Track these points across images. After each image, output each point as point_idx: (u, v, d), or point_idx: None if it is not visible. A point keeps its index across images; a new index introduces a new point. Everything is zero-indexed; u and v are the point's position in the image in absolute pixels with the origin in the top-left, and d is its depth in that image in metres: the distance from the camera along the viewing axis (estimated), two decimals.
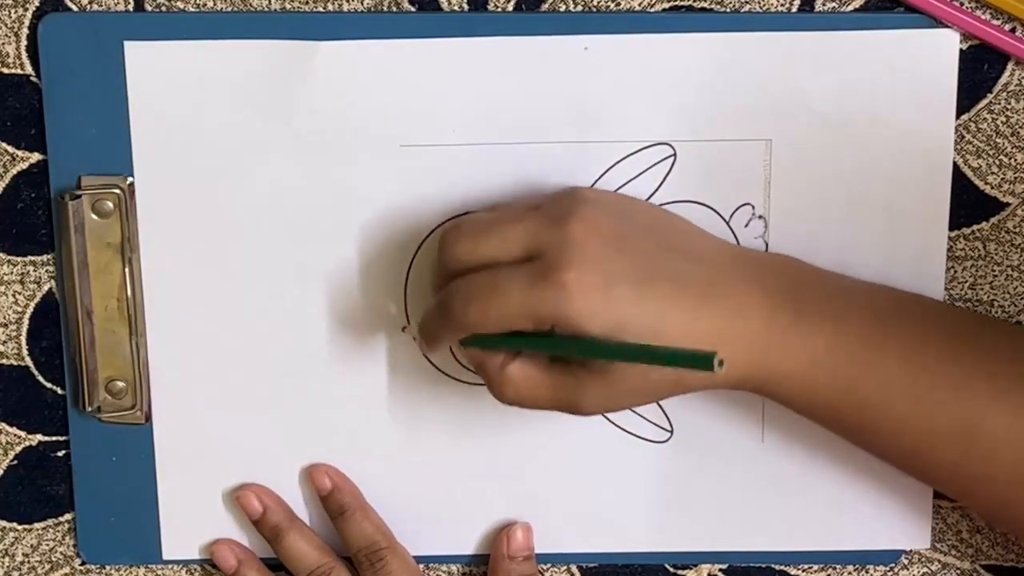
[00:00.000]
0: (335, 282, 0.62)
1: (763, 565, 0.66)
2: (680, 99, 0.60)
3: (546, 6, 0.60)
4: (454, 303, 0.53)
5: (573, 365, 0.54)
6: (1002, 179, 0.61)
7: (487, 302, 0.52)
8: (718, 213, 0.61)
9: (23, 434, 0.65)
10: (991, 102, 0.60)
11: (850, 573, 0.66)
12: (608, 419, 0.63)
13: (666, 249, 0.54)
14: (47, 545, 0.66)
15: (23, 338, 0.64)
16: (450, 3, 0.60)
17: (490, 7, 0.60)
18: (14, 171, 0.62)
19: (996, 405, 0.54)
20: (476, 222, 0.55)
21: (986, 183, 0.61)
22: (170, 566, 0.66)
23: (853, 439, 0.57)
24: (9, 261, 0.63)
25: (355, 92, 0.60)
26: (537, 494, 0.65)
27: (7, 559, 0.66)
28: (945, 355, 0.55)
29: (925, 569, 0.65)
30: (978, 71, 0.60)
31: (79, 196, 0.61)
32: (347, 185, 0.61)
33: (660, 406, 0.63)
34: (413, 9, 0.60)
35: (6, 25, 0.61)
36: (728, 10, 0.60)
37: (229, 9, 0.60)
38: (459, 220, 0.56)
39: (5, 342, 0.64)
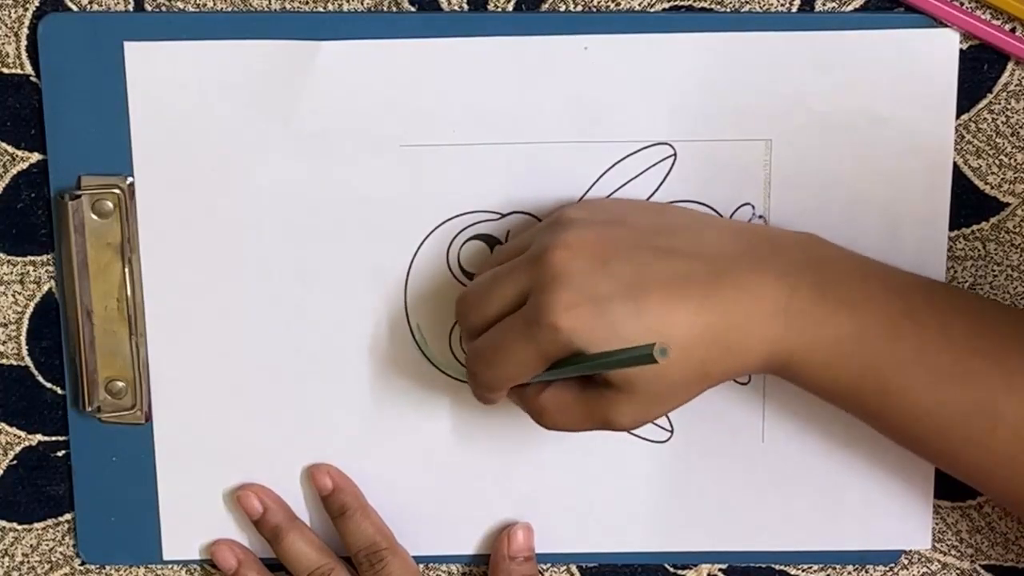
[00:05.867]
0: (335, 282, 0.62)
1: (763, 565, 0.66)
2: (680, 99, 0.60)
3: (546, 6, 0.60)
4: (476, 369, 0.56)
5: (599, 385, 0.54)
6: (1002, 179, 0.61)
7: (500, 362, 0.54)
8: (718, 213, 0.61)
9: (23, 434, 0.65)
10: (991, 102, 0.60)
11: (850, 573, 0.66)
12: None
13: (662, 251, 0.54)
14: (47, 545, 0.66)
15: (23, 338, 0.64)
16: (450, 3, 0.60)
17: (490, 7, 0.60)
18: (14, 171, 0.62)
19: (1021, 383, 0.54)
20: (476, 289, 0.56)
21: (986, 183, 0.61)
22: (170, 566, 0.66)
23: (873, 422, 0.57)
24: (9, 261, 0.63)
25: (355, 92, 0.60)
26: (537, 494, 0.65)
27: (7, 559, 0.66)
28: (970, 334, 0.55)
29: (925, 569, 0.65)
30: (978, 71, 0.60)
31: (79, 196, 0.61)
32: (347, 185, 0.61)
33: None
34: (413, 9, 0.60)
35: (6, 25, 0.61)
36: (728, 10, 0.60)
37: (229, 9, 0.60)
38: (463, 293, 0.57)
39: (5, 342, 0.64)
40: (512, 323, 0.54)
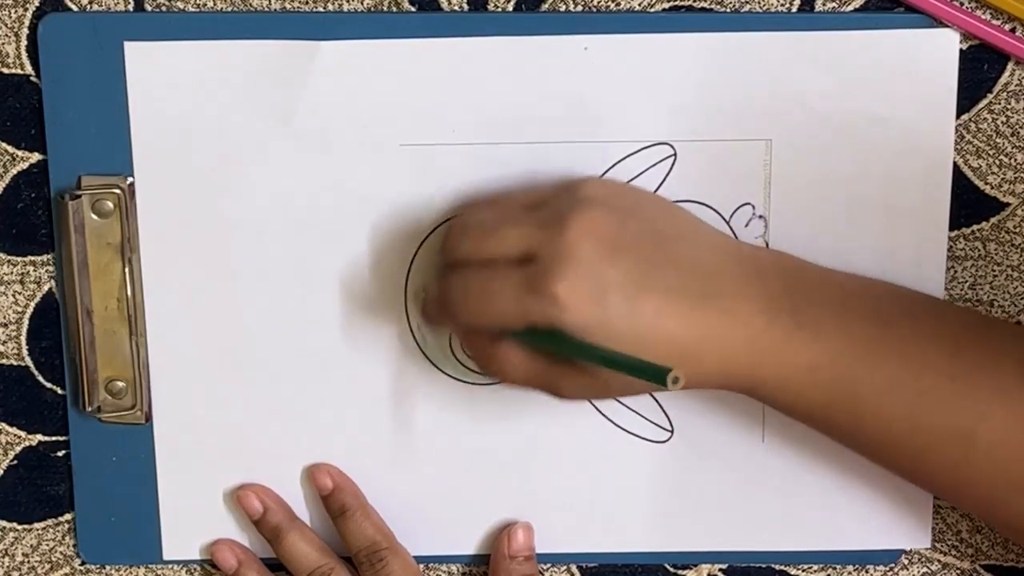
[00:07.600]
0: (335, 282, 0.62)
1: (763, 565, 0.66)
2: (680, 99, 0.60)
3: (546, 6, 0.60)
4: (452, 298, 0.55)
5: (555, 355, 0.54)
6: (1002, 179, 0.61)
7: (482, 303, 0.54)
8: (718, 213, 0.61)
9: (23, 434, 0.65)
10: (991, 102, 0.61)
11: (850, 573, 0.66)
12: (608, 418, 0.63)
13: (665, 255, 0.54)
14: (47, 545, 0.66)
15: (23, 338, 0.64)
16: (450, 3, 0.60)
17: (490, 7, 0.60)
18: (14, 171, 0.62)
19: (996, 405, 0.54)
20: (479, 222, 0.55)
21: (986, 183, 0.61)
22: (170, 566, 0.66)
23: (849, 443, 0.57)
24: (9, 261, 0.63)
25: (355, 92, 0.60)
26: (537, 494, 0.65)
27: (7, 559, 0.66)
28: (945, 355, 0.55)
29: (925, 569, 0.65)
30: (978, 71, 0.60)
31: (79, 196, 0.61)
32: (347, 185, 0.61)
33: (660, 406, 0.63)
34: (413, 9, 0.60)
35: (6, 25, 0.61)
36: (728, 10, 0.60)
37: (229, 9, 0.60)
38: (464, 219, 0.56)
39: (5, 342, 0.64)
40: (509, 276, 0.53)
